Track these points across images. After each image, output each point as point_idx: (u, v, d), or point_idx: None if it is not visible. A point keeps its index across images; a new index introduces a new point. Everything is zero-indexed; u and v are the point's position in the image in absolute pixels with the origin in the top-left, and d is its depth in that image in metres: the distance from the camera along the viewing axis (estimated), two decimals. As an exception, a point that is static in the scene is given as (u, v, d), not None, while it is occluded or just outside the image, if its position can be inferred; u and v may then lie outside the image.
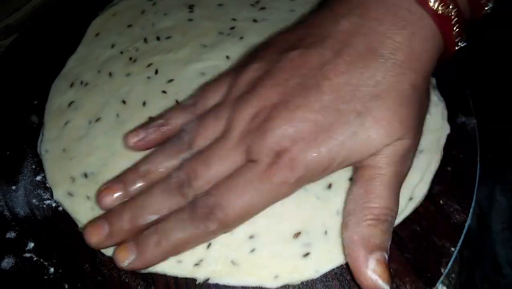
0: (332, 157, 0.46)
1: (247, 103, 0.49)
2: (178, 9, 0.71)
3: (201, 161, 0.50)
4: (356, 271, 0.45)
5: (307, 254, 0.51)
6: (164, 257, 0.50)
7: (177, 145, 0.53)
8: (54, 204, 0.57)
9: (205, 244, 0.51)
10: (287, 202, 0.52)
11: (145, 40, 0.68)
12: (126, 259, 0.49)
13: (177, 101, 0.61)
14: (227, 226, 0.49)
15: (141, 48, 0.67)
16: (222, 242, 0.51)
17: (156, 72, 0.64)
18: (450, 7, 0.46)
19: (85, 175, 0.57)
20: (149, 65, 0.65)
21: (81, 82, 0.65)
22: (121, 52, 0.67)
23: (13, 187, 0.59)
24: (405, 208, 0.53)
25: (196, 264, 0.51)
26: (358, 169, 0.48)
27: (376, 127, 0.45)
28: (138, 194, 0.52)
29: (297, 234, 0.51)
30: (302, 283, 0.51)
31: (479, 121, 0.59)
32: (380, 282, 0.43)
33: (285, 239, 0.52)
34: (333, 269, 0.51)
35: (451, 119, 0.58)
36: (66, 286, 0.52)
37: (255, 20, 0.68)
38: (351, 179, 0.53)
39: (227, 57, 0.64)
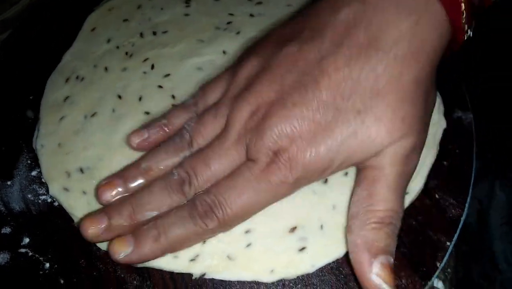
0: (331, 157, 0.45)
1: (244, 100, 0.49)
2: (174, 3, 0.71)
3: (201, 159, 0.50)
4: (360, 276, 0.44)
5: (303, 249, 0.50)
6: (160, 253, 0.50)
7: (178, 143, 0.53)
8: (49, 200, 0.57)
9: (201, 239, 0.51)
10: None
11: (141, 35, 0.68)
12: (122, 252, 0.48)
13: (173, 96, 0.61)
14: (225, 224, 0.49)
15: (137, 43, 0.67)
16: (218, 237, 0.51)
17: (152, 67, 0.64)
18: None
19: (81, 170, 0.57)
20: (145, 60, 0.65)
21: (77, 77, 0.65)
22: (117, 47, 0.67)
23: (9, 182, 0.59)
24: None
25: (192, 259, 0.51)
26: (361, 170, 0.47)
27: (377, 126, 0.43)
28: (138, 190, 0.52)
29: (293, 229, 0.51)
30: (298, 277, 0.50)
31: (478, 118, 0.59)
32: (384, 286, 0.43)
33: (281, 233, 0.51)
34: (329, 264, 0.50)
35: (447, 114, 0.58)
36: (62, 281, 0.52)
37: (251, 15, 0.68)
38: (346, 174, 0.53)
39: (224, 52, 0.64)
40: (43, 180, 0.58)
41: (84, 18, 0.71)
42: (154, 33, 0.68)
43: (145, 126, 0.56)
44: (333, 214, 0.52)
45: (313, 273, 0.50)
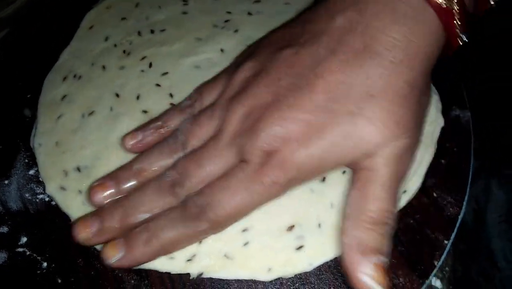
0: (324, 158, 0.45)
1: (239, 103, 0.49)
2: (172, 2, 0.71)
3: (194, 160, 0.50)
4: (351, 277, 0.43)
5: (300, 247, 0.50)
6: (153, 256, 0.50)
7: (172, 144, 0.52)
8: (47, 199, 0.57)
9: (198, 239, 0.51)
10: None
11: (139, 33, 0.68)
12: (114, 256, 0.49)
13: (171, 95, 0.60)
14: (217, 226, 0.49)
15: (135, 41, 0.67)
16: (214, 236, 0.51)
17: (150, 65, 0.64)
18: (454, 0, 0.45)
19: (78, 169, 0.57)
20: (143, 58, 0.65)
21: (75, 76, 0.64)
22: (115, 45, 0.67)
23: (6, 181, 0.59)
24: (399, 201, 0.52)
25: (189, 260, 0.51)
26: (355, 172, 0.47)
27: (370, 128, 0.43)
28: (130, 192, 0.51)
29: (291, 227, 0.51)
30: (295, 276, 0.50)
31: (475, 116, 0.59)
32: (376, 287, 0.42)
33: (279, 232, 0.51)
34: (327, 262, 0.50)
35: (445, 112, 0.58)
36: (59, 281, 0.52)
37: (250, 13, 0.68)
38: (344, 172, 0.53)
39: (222, 50, 0.64)
40: (40, 179, 0.58)
41: (82, 16, 0.71)
42: (152, 31, 0.68)
43: (140, 128, 0.56)
44: (331, 212, 0.52)
45: (311, 272, 0.50)
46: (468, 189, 0.54)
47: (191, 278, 0.51)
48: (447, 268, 0.56)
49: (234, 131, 0.48)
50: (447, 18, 0.45)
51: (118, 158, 0.56)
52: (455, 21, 0.45)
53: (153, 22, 0.69)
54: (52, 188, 0.56)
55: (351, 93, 0.44)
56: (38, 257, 0.54)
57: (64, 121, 0.61)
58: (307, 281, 0.50)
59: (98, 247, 0.53)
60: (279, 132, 0.45)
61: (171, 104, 0.60)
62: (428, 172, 0.54)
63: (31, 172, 0.60)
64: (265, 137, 0.46)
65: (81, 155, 0.58)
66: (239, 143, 0.48)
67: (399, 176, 0.46)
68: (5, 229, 0.56)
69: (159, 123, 0.55)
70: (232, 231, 0.51)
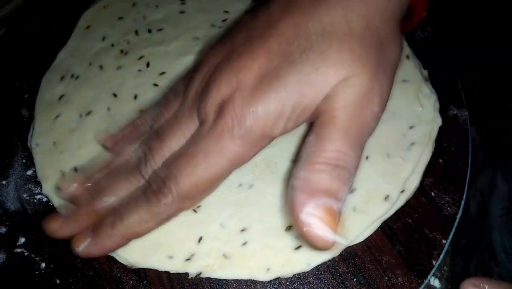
0: (281, 102, 0.40)
1: (197, 72, 0.47)
2: (169, 1, 0.70)
3: (156, 136, 0.47)
4: (294, 219, 0.38)
5: (298, 247, 0.51)
6: (121, 241, 0.47)
7: (140, 128, 0.51)
8: (45, 199, 0.57)
9: (196, 239, 0.51)
10: (279, 195, 0.53)
11: (136, 32, 0.67)
12: (81, 244, 0.46)
13: (168, 94, 0.60)
14: (183, 198, 0.44)
15: (132, 40, 0.67)
16: (213, 235, 0.51)
17: (148, 65, 0.64)
18: None
19: (75, 170, 0.57)
20: (141, 57, 0.65)
21: (72, 75, 0.64)
22: (112, 45, 0.67)
23: (4, 182, 0.59)
24: (397, 200, 0.52)
25: (188, 259, 0.51)
26: (313, 127, 0.41)
27: (324, 60, 0.40)
28: (99, 180, 0.49)
29: (289, 227, 0.51)
30: (294, 276, 0.51)
31: (475, 116, 0.59)
32: (317, 226, 0.36)
33: (277, 232, 0.52)
34: (325, 262, 0.51)
35: (443, 112, 0.58)
36: (58, 281, 0.52)
37: (247, 12, 0.68)
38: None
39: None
40: (38, 179, 0.58)
41: (78, 16, 0.71)
42: (149, 31, 0.67)
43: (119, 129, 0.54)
44: (329, 212, 0.52)
45: (309, 272, 0.51)
46: (466, 189, 0.54)
47: (189, 278, 0.51)
48: (445, 268, 0.57)
49: (192, 100, 0.46)
50: None
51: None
52: None
53: (150, 22, 0.69)
54: (48, 188, 0.56)
55: (305, 37, 0.41)
56: (36, 258, 0.54)
57: (62, 121, 0.61)
58: (306, 281, 0.50)
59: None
60: (230, 87, 0.42)
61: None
62: (426, 171, 0.55)
63: (29, 172, 0.59)
64: (216, 95, 0.42)
65: (78, 155, 0.58)
66: (197, 108, 0.45)
67: (360, 121, 0.40)
68: (3, 229, 0.56)
69: (138, 121, 0.53)
70: (231, 231, 0.52)
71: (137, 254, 0.51)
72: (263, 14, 0.45)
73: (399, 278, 0.49)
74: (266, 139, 0.43)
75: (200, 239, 0.52)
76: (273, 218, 0.52)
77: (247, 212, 0.53)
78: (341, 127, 0.39)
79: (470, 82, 0.63)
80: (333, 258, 0.51)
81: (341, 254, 0.51)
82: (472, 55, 0.70)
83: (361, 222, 0.51)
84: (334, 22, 0.41)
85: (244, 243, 0.51)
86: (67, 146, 0.59)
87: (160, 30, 0.67)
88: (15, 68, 0.69)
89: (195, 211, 0.53)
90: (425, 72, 0.60)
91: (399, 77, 0.59)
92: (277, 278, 0.50)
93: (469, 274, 0.61)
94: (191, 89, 0.46)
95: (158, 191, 0.44)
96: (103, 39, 0.68)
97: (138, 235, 0.47)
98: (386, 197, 0.52)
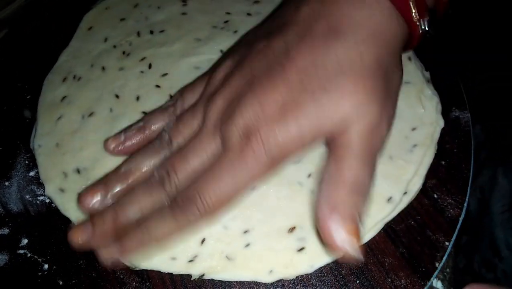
0: (302, 132, 0.45)
1: (219, 95, 0.49)
2: (171, 2, 0.71)
3: (179, 156, 0.50)
4: (320, 229, 0.43)
5: (301, 249, 0.51)
6: (144, 250, 0.49)
7: (157, 145, 0.53)
8: (47, 200, 0.57)
9: (199, 240, 0.52)
10: (282, 196, 0.53)
11: (138, 34, 0.68)
12: (109, 256, 0.49)
13: (171, 96, 0.60)
14: (207, 214, 0.47)
15: (134, 42, 0.67)
16: (216, 237, 0.52)
17: (150, 66, 0.64)
18: None
19: (78, 171, 0.57)
20: (143, 59, 0.65)
21: (74, 77, 0.64)
22: (114, 46, 0.67)
23: (6, 183, 0.59)
24: (400, 202, 0.53)
25: (191, 260, 0.51)
26: (330, 150, 0.47)
27: (341, 92, 0.45)
28: (121, 195, 0.51)
29: (292, 229, 0.51)
30: (297, 277, 0.51)
31: (475, 116, 0.59)
32: (351, 248, 0.41)
33: (280, 233, 0.52)
34: (328, 264, 0.51)
35: (445, 113, 0.58)
36: (61, 283, 0.52)
37: (249, 14, 0.68)
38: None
39: (221, 51, 0.64)
40: (41, 180, 0.58)
41: (80, 17, 0.71)
42: (151, 32, 0.68)
43: (122, 130, 0.56)
44: (332, 214, 0.52)
45: (312, 274, 0.51)
46: (468, 190, 0.54)
47: (192, 279, 0.51)
48: (448, 270, 0.57)
49: (214, 122, 0.49)
50: (402, 6, 0.47)
51: (117, 160, 0.56)
52: (410, 9, 0.48)
53: (153, 23, 0.69)
54: (51, 190, 0.56)
55: (323, 71, 0.45)
56: (39, 259, 0.54)
57: (64, 122, 0.61)
58: (309, 283, 0.51)
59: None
60: (255, 113, 0.46)
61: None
62: (429, 173, 0.55)
63: (32, 173, 0.59)
64: (241, 120, 0.46)
65: (81, 157, 0.58)
66: (220, 133, 0.48)
67: (374, 149, 0.46)
68: (6, 230, 0.56)
69: (141, 124, 0.56)
70: (233, 232, 0.52)
71: (139, 255, 0.51)
72: (279, 39, 0.49)
73: (402, 280, 0.49)
74: (286, 160, 0.47)
75: (203, 240, 0.52)
76: (276, 219, 0.52)
77: (250, 213, 0.53)
78: (358, 158, 0.44)
79: (471, 82, 0.63)
80: (336, 260, 0.51)
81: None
82: (472, 55, 0.70)
83: (364, 224, 0.51)
84: (349, 58, 0.45)
85: (247, 245, 0.51)
86: (70, 147, 0.59)
87: (162, 31, 0.67)
88: (17, 69, 0.69)
89: (198, 213, 0.53)
90: (427, 74, 0.60)
91: (401, 78, 0.59)
92: (280, 280, 0.50)
93: (473, 272, 0.61)
94: (214, 111, 0.49)
95: (185, 210, 0.47)
96: (105, 40, 0.68)
97: (159, 246, 0.49)
98: (389, 199, 0.52)
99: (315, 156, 0.54)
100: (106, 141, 0.55)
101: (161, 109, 0.56)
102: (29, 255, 0.54)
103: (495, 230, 0.61)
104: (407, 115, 0.57)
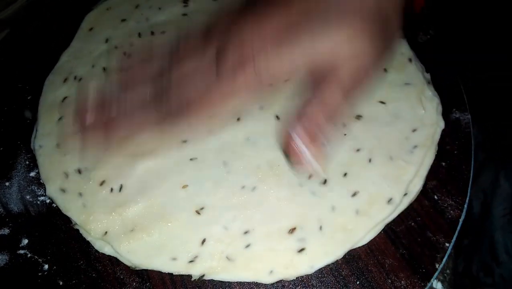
0: (295, 63, 0.46)
1: (224, 19, 0.50)
2: (172, 3, 0.70)
3: (176, 61, 0.50)
4: (291, 146, 0.44)
5: (302, 250, 0.51)
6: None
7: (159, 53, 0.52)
8: (48, 200, 0.57)
9: (199, 241, 0.52)
10: (282, 197, 0.53)
11: (140, 34, 0.67)
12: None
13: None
14: (188, 116, 0.49)
15: (136, 42, 0.67)
16: (216, 237, 0.51)
17: (151, 67, 0.64)
18: None
19: (79, 171, 0.57)
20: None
21: (75, 77, 0.64)
22: (115, 47, 0.67)
23: (7, 183, 0.59)
24: (400, 204, 0.53)
25: (191, 261, 0.51)
26: (316, 80, 0.47)
27: (339, 35, 0.45)
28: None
29: (292, 230, 0.51)
30: (297, 278, 0.51)
31: (475, 116, 0.59)
32: (304, 151, 0.44)
33: (280, 234, 0.52)
34: (328, 265, 0.51)
35: (445, 115, 0.58)
36: (61, 283, 0.52)
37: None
38: (345, 175, 0.53)
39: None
40: (41, 181, 0.58)
41: (81, 18, 0.71)
42: (152, 33, 0.67)
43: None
44: (332, 215, 0.52)
45: (312, 274, 0.51)
46: (469, 192, 0.54)
47: (192, 279, 0.51)
48: (448, 271, 0.57)
49: (215, 33, 0.49)
50: None
51: (118, 159, 0.56)
52: None
53: (153, 24, 0.69)
54: (52, 190, 0.56)
55: (326, 7, 0.46)
56: (39, 259, 0.54)
57: (65, 122, 0.61)
58: (309, 283, 0.51)
59: (99, 249, 0.53)
60: (254, 34, 0.46)
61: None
62: (429, 174, 0.55)
63: (32, 174, 0.60)
64: (240, 39, 0.46)
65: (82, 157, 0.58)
66: (219, 43, 0.48)
67: (359, 89, 0.47)
68: (6, 231, 0.56)
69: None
70: (234, 233, 0.52)
71: (140, 255, 0.52)
72: None
73: (402, 281, 0.49)
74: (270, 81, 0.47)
75: (204, 241, 0.52)
76: (276, 220, 0.52)
77: (250, 214, 0.53)
78: (341, 85, 0.45)
79: (470, 82, 0.63)
80: (336, 261, 0.51)
81: (344, 257, 0.51)
82: (472, 55, 0.70)
83: (365, 225, 0.51)
84: (351, 6, 0.46)
85: (247, 246, 0.51)
86: (71, 147, 0.59)
87: (163, 32, 0.67)
88: (18, 69, 0.69)
89: (199, 213, 0.53)
90: (428, 75, 0.60)
91: (402, 80, 0.59)
92: (280, 281, 0.50)
93: (471, 275, 0.61)
94: (217, 29, 0.49)
95: (169, 104, 0.48)
96: (106, 41, 0.68)
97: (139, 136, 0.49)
98: (389, 200, 0.52)
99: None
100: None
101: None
102: (29, 255, 0.54)
103: (495, 233, 0.61)
104: (407, 116, 0.57)
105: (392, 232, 0.52)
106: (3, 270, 0.53)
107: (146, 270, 0.52)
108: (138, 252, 0.52)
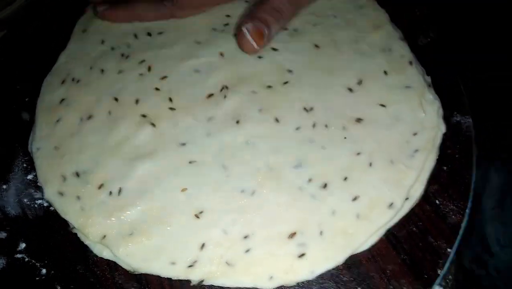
0: None
1: None
2: (170, 4, 0.70)
3: None
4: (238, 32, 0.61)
5: (302, 255, 0.50)
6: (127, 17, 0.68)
7: None
8: (45, 204, 0.57)
9: (199, 245, 0.51)
10: (282, 202, 0.52)
11: (136, 36, 0.67)
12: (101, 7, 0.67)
13: (170, 99, 0.60)
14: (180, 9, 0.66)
15: (133, 44, 0.66)
16: (216, 242, 0.51)
17: (149, 69, 0.63)
18: None
19: (77, 174, 0.56)
20: (142, 61, 0.64)
21: (73, 79, 0.64)
22: (112, 48, 0.66)
23: (4, 186, 0.59)
24: (401, 208, 0.52)
25: (190, 266, 0.50)
26: None
27: None
28: None
29: (292, 235, 0.51)
30: (297, 284, 0.50)
31: (474, 116, 0.59)
32: (249, 39, 0.60)
33: (280, 239, 0.51)
34: (329, 270, 0.50)
35: (446, 118, 0.57)
36: (59, 288, 0.52)
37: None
38: (346, 179, 0.53)
39: (221, 54, 0.63)
40: (39, 183, 0.57)
41: (79, 18, 0.70)
42: (149, 34, 0.67)
43: None
44: (332, 219, 0.51)
45: (312, 280, 0.50)
46: (471, 196, 0.54)
47: (191, 284, 0.50)
48: (450, 276, 0.56)
49: None
50: None
51: (116, 162, 0.56)
52: None
53: (148, 25, 0.68)
54: (50, 193, 0.56)
55: None
56: (37, 264, 0.53)
57: (63, 125, 0.60)
58: (309, 289, 0.50)
59: (97, 254, 0.53)
60: None
61: (171, 108, 0.59)
62: (430, 179, 0.54)
63: (30, 176, 0.59)
64: None
65: (80, 159, 0.58)
66: None
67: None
68: (3, 234, 0.56)
69: None
70: (234, 237, 0.51)
71: (139, 259, 0.51)
72: None
73: (404, 287, 0.49)
74: None
75: (203, 245, 0.51)
76: (276, 224, 0.52)
77: (250, 218, 0.52)
78: None
79: (470, 82, 0.63)
80: (337, 267, 0.50)
81: (345, 263, 0.50)
82: (472, 56, 0.70)
83: (365, 230, 0.51)
84: None
85: (247, 250, 0.51)
86: (68, 150, 0.58)
87: (160, 33, 0.67)
88: (16, 71, 0.68)
89: (198, 217, 0.53)
90: (428, 78, 0.60)
91: (402, 82, 0.59)
92: (280, 286, 0.50)
93: (464, 269, 0.61)
94: None
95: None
96: (102, 42, 0.67)
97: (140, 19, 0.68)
98: (390, 205, 0.52)
99: (315, 162, 0.54)
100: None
101: None
102: (27, 259, 0.54)
103: (485, 226, 0.61)
104: (408, 119, 0.57)
105: (394, 237, 0.52)
106: (0, 275, 0.53)
107: (145, 275, 0.51)
108: (137, 256, 0.51)
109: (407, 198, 0.53)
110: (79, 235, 0.54)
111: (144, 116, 0.59)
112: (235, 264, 0.50)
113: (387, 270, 0.50)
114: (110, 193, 0.55)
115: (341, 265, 0.50)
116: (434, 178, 0.55)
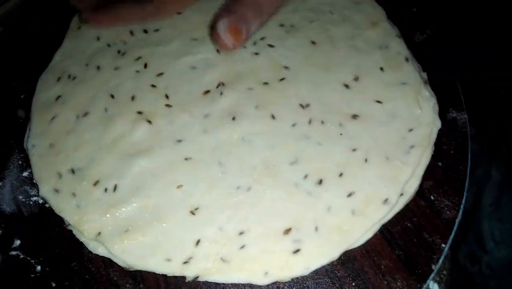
0: None
1: None
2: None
3: None
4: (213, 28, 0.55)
5: (297, 251, 0.50)
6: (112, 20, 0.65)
7: None
8: (41, 201, 0.57)
9: (194, 241, 0.51)
10: (278, 198, 0.52)
11: (131, 33, 0.67)
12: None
13: (166, 96, 0.60)
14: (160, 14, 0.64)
15: (129, 41, 0.66)
16: (211, 238, 0.51)
17: (146, 65, 0.63)
18: None
19: (72, 171, 0.56)
20: (138, 58, 0.64)
21: (69, 76, 0.64)
22: (108, 45, 0.66)
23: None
24: (396, 204, 0.52)
25: (185, 262, 0.50)
26: None
27: None
28: None
29: (287, 231, 0.51)
30: (292, 280, 0.50)
31: (474, 116, 0.59)
32: (227, 36, 0.53)
33: (276, 235, 0.51)
34: (324, 266, 0.50)
35: (442, 114, 0.57)
36: (53, 285, 0.52)
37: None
38: (341, 175, 0.53)
39: (218, 50, 0.63)
40: (34, 181, 0.57)
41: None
42: (145, 31, 0.67)
43: None
44: (328, 216, 0.51)
45: (307, 276, 0.50)
46: (465, 192, 0.54)
47: (187, 281, 0.50)
48: (444, 272, 0.56)
49: None
50: None
51: (112, 159, 0.56)
52: None
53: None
54: (46, 191, 0.56)
55: None
56: (31, 261, 0.53)
57: (58, 122, 0.60)
58: (304, 285, 0.50)
59: (95, 250, 0.53)
60: None
61: (167, 105, 0.59)
62: (426, 174, 0.54)
63: (25, 173, 0.59)
64: None
65: (75, 157, 0.57)
66: None
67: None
68: (-2, 231, 0.56)
69: None
70: (229, 233, 0.51)
71: (134, 255, 0.51)
72: None
73: (398, 283, 0.49)
74: None
75: (198, 242, 0.51)
76: (272, 221, 0.52)
77: (245, 215, 0.52)
78: None
79: (469, 82, 0.63)
80: (332, 262, 0.50)
81: (339, 258, 0.50)
82: (469, 55, 0.70)
83: (360, 225, 0.51)
84: None
85: (242, 247, 0.51)
86: (64, 147, 0.58)
87: (156, 30, 0.67)
88: (11, 68, 0.68)
89: (193, 214, 0.53)
90: (425, 75, 0.60)
91: (399, 79, 0.59)
92: (275, 282, 0.50)
93: (458, 266, 0.61)
94: None
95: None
96: (98, 39, 0.67)
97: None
98: (385, 201, 0.52)
99: (311, 158, 0.54)
100: None
101: None
102: (21, 256, 0.54)
103: (482, 221, 0.61)
104: (404, 115, 0.57)
105: (388, 232, 0.52)
106: (-5, 272, 0.53)
107: (140, 272, 0.51)
108: (132, 253, 0.51)
109: (402, 194, 0.53)
110: (74, 232, 0.54)
111: (140, 113, 0.59)
112: (230, 260, 0.50)
113: (381, 265, 0.50)
114: (106, 190, 0.55)
115: (336, 260, 0.50)
116: (429, 174, 0.55)
